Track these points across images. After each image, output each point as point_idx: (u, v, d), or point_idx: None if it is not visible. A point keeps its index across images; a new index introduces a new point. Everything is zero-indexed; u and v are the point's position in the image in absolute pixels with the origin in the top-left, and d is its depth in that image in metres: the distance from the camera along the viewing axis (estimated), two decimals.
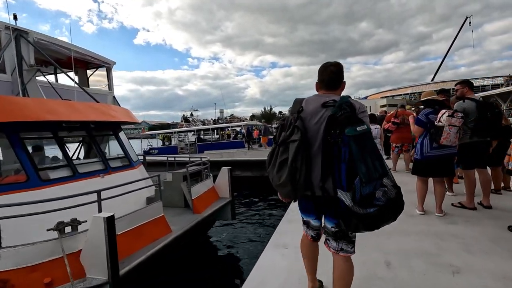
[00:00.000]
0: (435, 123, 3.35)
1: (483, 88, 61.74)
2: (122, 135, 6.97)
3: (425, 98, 3.69)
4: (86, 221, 3.11)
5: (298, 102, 1.74)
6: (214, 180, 6.35)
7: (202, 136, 20.59)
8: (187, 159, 7.44)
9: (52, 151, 5.48)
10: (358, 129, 1.46)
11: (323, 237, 1.88)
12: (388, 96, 69.04)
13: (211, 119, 36.84)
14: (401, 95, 70.20)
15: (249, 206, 9.41)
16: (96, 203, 3.38)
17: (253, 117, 67.98)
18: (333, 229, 1.71)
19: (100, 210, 3.33)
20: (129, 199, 4.68)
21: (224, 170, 6.22)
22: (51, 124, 4.67)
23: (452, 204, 3.98)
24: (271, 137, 16.73)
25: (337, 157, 1.50)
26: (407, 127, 6.31)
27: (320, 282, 2.16)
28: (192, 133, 21.68)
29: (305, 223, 1.92)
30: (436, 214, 3.65)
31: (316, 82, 1.84)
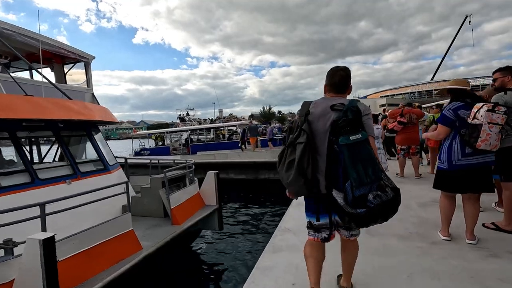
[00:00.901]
0: (469, 121, 2.56)
1: (483, 87, 61.29)
2: (98, 136, 6.36)
3: (454, 87, 2.83)
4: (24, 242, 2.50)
5: (306, 105, 1.83)
6: (201, 185, 5.74)
7: (196, 136, 19.88)
8: (172, 161, 6.80)
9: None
10: (351, 138, 1.59)
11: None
12: (388, 96, 68.56)
13: (209, 118, 36.12)
14: (400, 94, 69.68)
15: (242, 211, 8.79)
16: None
17: (252, 116, 67.62)
18: (341, 223, 1.82)
19: (43, 229, 2.71)
20: (100, 209, 4.08)
21: (211, 174, 5.60)
22: (7, 122, 4.04)
23: (484, 225, 3.12)
24: (263, 138, 16.14)
25: (336, 160, 1.66)
26: (415, 127, 5.77)
27: None
28: (188, 133, 21.04)
29: (313, 228, 1.92)
30: (467, 241, 2.79)
31: (325, 85, 1.92)
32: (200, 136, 20.76)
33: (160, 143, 19.32)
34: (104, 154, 6.06)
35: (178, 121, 26.80)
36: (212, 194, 5.56)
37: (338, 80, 1.85)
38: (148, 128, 43.44)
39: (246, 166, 11.57)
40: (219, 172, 5.87)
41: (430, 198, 4.21)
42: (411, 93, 68.33)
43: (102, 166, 5.50)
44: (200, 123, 25.95)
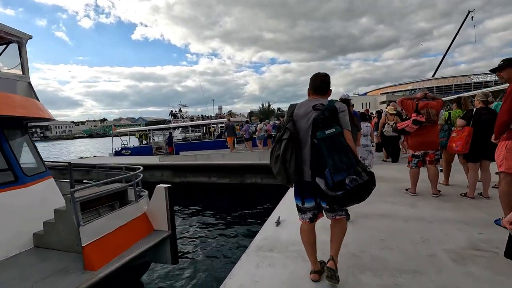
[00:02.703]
0: None
1: (486, 84, 59.93)
2: (24, 137, 4.92)
3: None
4: None
5: (292, 107, 2.19)
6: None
7: (183, 134, 18.32)
8: (123, 166, 5.33)
9: None
10: (326, 132, 1.91)
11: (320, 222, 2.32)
12: (388, 93, 67.12)
13: (201, 115, 34.63)
14: (401, 91, 68.28)
15: (220, 227, 7.37)
16: None
17: (251, 113, 66.55)
18: (326, 206, 2.12)
19: None
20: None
21: (160, 189, 4.14)
22: None
23: None
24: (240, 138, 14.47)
25: (318, 152, 1.96)
26: (434, 126, 4.21)
27: (323, 262, 2.36)
28: (180, 130, 19.54)
29: (300, 210, 2.24)
30: None
31: (308, 89, 2.27)
32: (188, 134, 19.25)
33: (144, 141, 17.85)
34: (28, 160, 4.65)
35: (170, 118, 25.41)
36: (162, 216, 4.12)
37: (319, 83, 2.19)
38: (146, 125, 42.00)
39: (230, 169, 10.13)
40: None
41: (468, 239, 2.80)
42: (412, 90, 66.95)
43: (13, 177, 4.07)
44: (192, 120, 24.46)
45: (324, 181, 1.90)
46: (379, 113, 7.78)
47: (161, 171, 11.21)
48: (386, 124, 7.10)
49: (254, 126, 15.11)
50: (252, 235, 4.81)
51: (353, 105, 4.16)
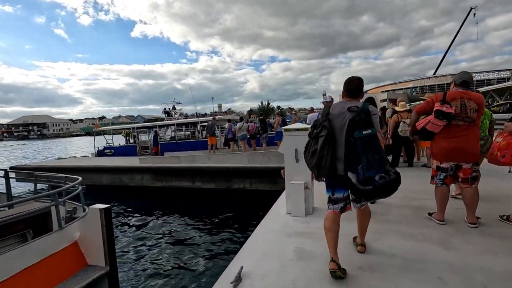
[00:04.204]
0: None
1: (488, 82, 58.83)
2: None
3: None
4: None
5: (327, 108, 2.35)
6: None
7: (170, 133, 17.17)
8: (63, 176, 4.24)
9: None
10: (364, 133, 2.07)
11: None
12: (389, 90, 65.97)
13: (196, 113, 33.54)
14: (402, 89, 67.13)
15: (206, 236, 6.32)
16: None
17: (251, 111, 65.84)
18: (354, 197, 2.31)
19: None
20: None
21: (94, 212, 3.09)
22: None
23: None
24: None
25: (352, 149, 2.11)
26: (473, 127, 2.84)
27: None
28: (172, 128, 18.43)
29: (331, 201, 2.36)
30: None
31: (343, 91, 2.37)
32: (180, 133, 18.11)
33: (131, 140, 16.73)
34: None
35: (164, 115, 24.35)
36: (97, 247, 3.07)
37: (353, 87, 2.30)
38: (145, 122, 40.99)
39: (216, 173, 9.07)
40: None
41: None
42: (413, 87, 65.74)
43: None
44: (186, 118, 23.34)
45: (356, 176, 2.08)
46: (383, 109, 6.72)
47: (142, 174, 10.16)
48: (401, 123, 5.84)
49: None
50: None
51: None
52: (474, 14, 63.00)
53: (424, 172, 5.18)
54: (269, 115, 52.09)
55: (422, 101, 3.37)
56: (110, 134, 17.11)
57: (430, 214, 3.26)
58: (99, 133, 17.10)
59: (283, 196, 4.09)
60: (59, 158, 15.11)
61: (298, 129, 3.49)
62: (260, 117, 12.71)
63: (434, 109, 2.85)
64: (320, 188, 3.07)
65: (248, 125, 11.70)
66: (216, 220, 7.46)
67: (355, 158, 2.07)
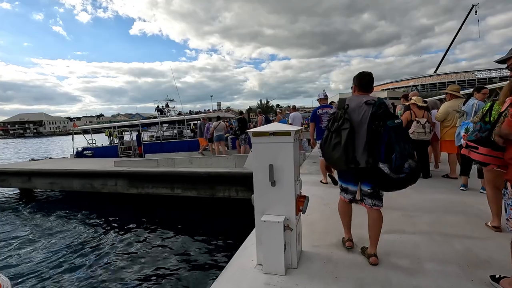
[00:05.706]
0: None
1: (490, 80, 57.73)
2: None
3: None
4: None
5: (343, 101, 2.33)
6: None
7: (156, 133, 15.95)
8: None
9: None
10: (395, 121, 2.09)
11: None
12: (389, 89, 64.82)
13: (190, 111, 32.42)
14: (402, 87, 65.97)
15: (182, 253, 5.15)
16: None
17: (250, 109, 64.87)
18: (369, 190, 2.33)
19: None
20: None
21: None
22: None
23: None
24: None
25: (378, 140, 2.13)
26: None
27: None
28: (165, 127, 17.23)
29: (344, 190, 2.51)
30: None
31: (354, 86, 2.47)
32: (172, 132, 16.89)
33: (116, 140, 15.52)
34: None
35: (157, 113, 23.23)
36: None
37: (366, 82, 2.39)
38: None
39: (197, 179, 7.89)
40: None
41: None
42: (413, 86, 64.64)
43: None
44: (179, 115, 22.13)
45: (388, 165, 2.09)
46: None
47: (115, 179, 8.97)
48: (414, 123, 4.65)
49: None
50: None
51: None
52: (476, 11, 61.92)
53: (449, 185, 3.99)
54: (269, 113, 51.10)
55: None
56: (89, 133, 15.88)
57: (495, 278, 2.01)
58: (77, 133, 15.83)
59: (252, 236, 2.72)
60: (32, 160, 13.87)
61: (276, 133, 2.17)
62: (240, 116, 11.27)
63: None
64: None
65: (225, 124, 10.43)
66: (197, 234, 6.29)
67: (385, 148, 2.08)
